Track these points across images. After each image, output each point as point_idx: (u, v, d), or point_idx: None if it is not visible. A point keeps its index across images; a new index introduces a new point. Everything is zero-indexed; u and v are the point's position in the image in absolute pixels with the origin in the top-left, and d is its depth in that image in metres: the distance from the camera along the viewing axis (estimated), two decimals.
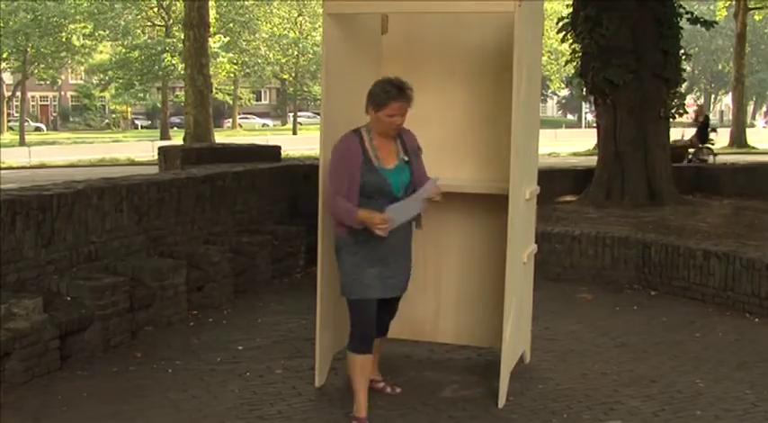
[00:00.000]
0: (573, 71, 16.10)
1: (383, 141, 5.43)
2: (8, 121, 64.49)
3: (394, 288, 5.66)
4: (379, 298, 5.56)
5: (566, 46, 16.78)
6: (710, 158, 24.08)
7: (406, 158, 5.48)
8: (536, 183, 6.66)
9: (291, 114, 70.26)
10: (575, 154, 36.23)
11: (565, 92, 74.63)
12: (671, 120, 15.03)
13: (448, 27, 6.62)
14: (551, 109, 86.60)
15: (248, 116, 76.97)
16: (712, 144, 25.18)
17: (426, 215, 6.35)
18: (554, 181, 14.76)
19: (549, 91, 72.41)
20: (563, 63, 25.63)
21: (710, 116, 39.84)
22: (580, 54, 14.92)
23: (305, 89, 68.57)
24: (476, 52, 6.61)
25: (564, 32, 15.49)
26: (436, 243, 6.81)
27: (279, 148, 13.08)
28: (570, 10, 15.40)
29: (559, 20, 16.15)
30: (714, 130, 26.36)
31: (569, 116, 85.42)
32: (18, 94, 61.46)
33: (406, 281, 5.79)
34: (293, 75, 65.05)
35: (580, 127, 67.62)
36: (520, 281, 6.21)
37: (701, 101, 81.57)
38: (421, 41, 6.73)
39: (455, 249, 6.81)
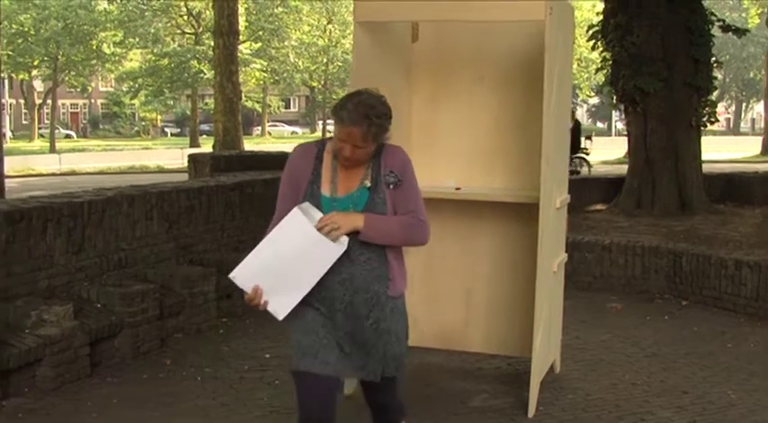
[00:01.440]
0: (603, 79, 16.01)
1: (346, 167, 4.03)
2: (39, 129, 64.94)
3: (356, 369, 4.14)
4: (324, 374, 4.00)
5: (596, 54, 16.70)
6: (584, 169, 22.94)
7: (369, 184, 3.98)
8: (567, 191, 6.63)
9: (320, 122, 70.35)
10: (605, 162, 36.03)
11: (594, 100, 74.31)
12: (702, 128, 14.91)
13: (478, 35, 6.60)
14: (581, 117, 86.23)
15: (277, 124, 77.15)
16: (586, 153, 23.90)
17: (457, 223, 6.34)
18: (584, 189, 14.68)
19: (579, 99, 72.14)
20: (593, 71, 25.55)
21: (608, 124, 38.61)
22: (610, 62, 14.83)
23: (334, 97, 68.58)
24: (506, 60, 6.59)
25: (594, 40, 15.41)
26: (466, 252, 6.78)
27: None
28: (600, 18, 15.32)
29: (589, 27, 16.07)
30: (589, 137, 25.19)
31: (599, 124, 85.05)
32: (49, 101, 61.86)
33: (375, 371, 4.17)
34: (322, 82, 65.18)
35: (610, 135, 67.24)
36: (550, 290, 6.17)
37: (733, 108, 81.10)
38: (451, 49, 6.71)
39: (485, 258, 6.78)
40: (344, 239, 3.84)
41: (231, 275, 3.81)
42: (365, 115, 3.83)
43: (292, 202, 3.97)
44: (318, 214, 3.87)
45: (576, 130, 22.31)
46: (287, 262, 3.78)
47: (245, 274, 3.81)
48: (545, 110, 5.65)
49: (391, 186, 4.02)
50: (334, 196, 3.99)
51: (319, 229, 3.79)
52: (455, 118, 6.68)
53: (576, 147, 21.82)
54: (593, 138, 24.55)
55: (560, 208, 6.36)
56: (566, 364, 6.85)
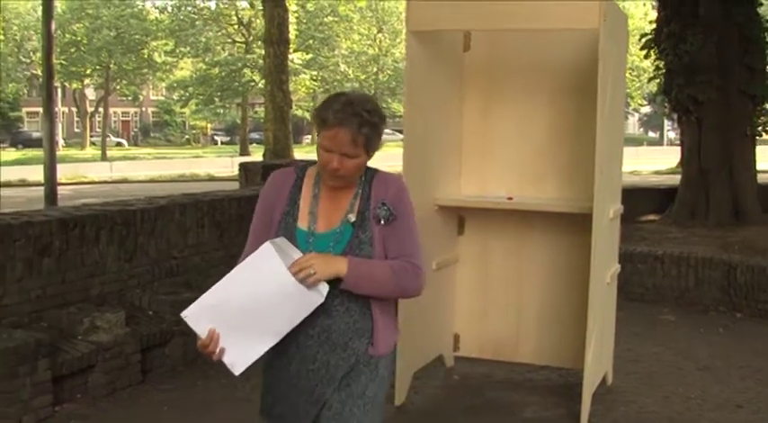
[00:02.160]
0: (656, 88, 15.87)
1: (332, 191, 3.30)
2: (91, 137, 65.67)
3: None
4: None
5: (647, 62, 16.56)
6: None
7: (353, 220, 3.25)
8: (620, 201, 6.56)
9: None
10: (657, 172, 35.72)
11: (646, 109, 73.72)
12: (757, 137, 14.71)
13: (531, 43, 6.56)
14: (633, 126, 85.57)
15: None
16: None
17: (508, 234, 6.31)
18: (636, 199, 14.49)
19: (631, 108, 71.62)
20: (645, 80, 25.30)
21: None
22: (663, 71, 14.69)
23: (384, 106, 68.73)
24: (559, 69, 6.54)
25: (647, 49, 15.28)
26: (517, 262, 6.74)
27: None
28: (653, 26, 15.19)
29: (642, 36, 15.94)
30: None
31: (651, 133, 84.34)
32: (100, 109, 62.63)
33: None
34: (372, 91, 65.24)
35: (662, 144, 66.65)
36: (603, 301, 6.11)
37: None
38: (503, 58, 6.68)
39: (536, 269, 6.73)
40: (323, 288, 3.09)
41: (183, 314, 3.09)
42: (354, 113, 3.12)
43: (262, 235, 3.29)
44: (296, 253, 3.15)
45: None
46: (251, 307, 3.04)
47: (199, 315, 3.07)
48: (599, 119, 5.59)
49: (382, 222, 3.24)
50: (312, 231, 3.25)
51: (293, 273, 3.03)
52: (507, 127, 6.65)
53: None
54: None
55: (613, 218, 6.30)
56: (618, 376, 6.77)
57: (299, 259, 3.07)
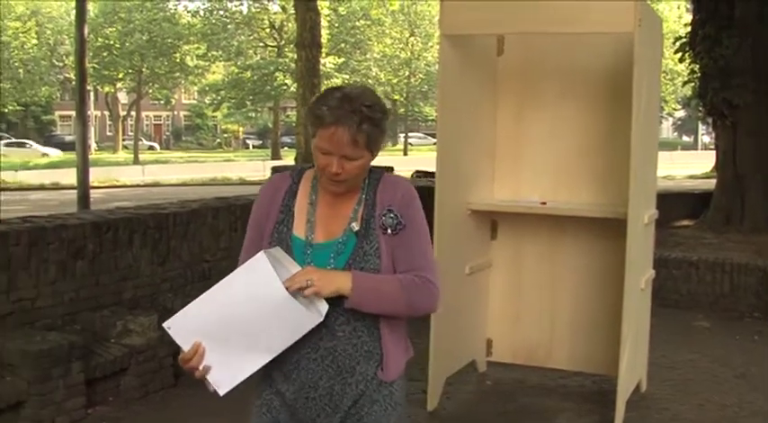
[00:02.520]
0: (690, 92, 15.75)
1: (332, 197, 2.95)
2: (123, 140, 66.07)
3: None
4: None
5: (682, 66, 16.44)
6: None
7: (356, 229, 2.90)
8: (654, 206, 6.51)
9: (402, 135, 70.40)
10: (691, 177, 35.50)
11: (680, 113, 73.26)
12: None
13: (565, 48, 6.52)
14: (666, 130, 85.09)
15: None
16: None
17: (541, 239, 6.27)
18: (670, 204, 14.42)
19: (665, 112, 71.23)
20: (679, 83, 25.12)
21: None
22: (698, 74, 14.59)
23: (416, 110, 68.60)
24: (593, 73, 6.49)
25: (681, 52, 15.17)
26: (551, 268, 6.70)
27: (391, 169, 13.08)
28: (688, 29, 15.08)
29: (677, 39, 15.84)
30: None
31: (685, 138, 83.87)
32: (133, 113, 63.01)
33: None
34: (404, 95, 65.17)
35: (696, 149, 66.25)
36: (637, 307, 6.05)
37: None
38: (537, 62, 6.64)
39: (570, 274, 6.68)
40: (323, 307, 2.76)
41: (165, 325, 2.75)
42: (353, 109, 2.75)
43: (255, 247, 2.94)
44: (294, 267, 2.81)
45: None
46: (240, 322, 2.71)
47: (184, 326, 2.74)
48: (633, 124, 5.54)
49: (389, 231, 2.88)
50: (310, 241, 2.91)
51: (289, 288, 2.68)
52: (541, 131, 6.61)
53: None
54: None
55: (648, 224, 6.25)
56: (652, 383, 6.71)
57: (296, 273, 2.73)
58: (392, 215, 2.89)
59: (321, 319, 2.74)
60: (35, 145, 59.94)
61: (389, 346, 2.92)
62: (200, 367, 2.74)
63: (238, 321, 2.71)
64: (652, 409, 6.24)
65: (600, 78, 6.47)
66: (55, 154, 57.30)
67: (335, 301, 2.78)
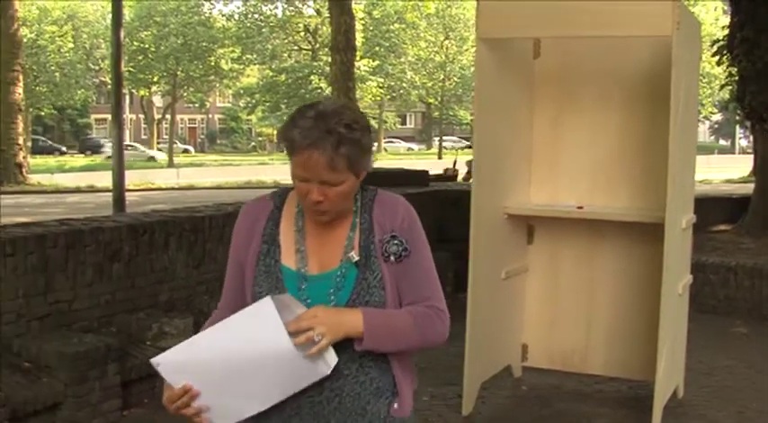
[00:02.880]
0: (728, 95, 15.61)
1: (320, 225, 2.64)
2: (158, 143, 66.50)
3: None
4: None
5: (719, 69, 16.32)
6: None
7: (356, 259, 2.59)
8: (692, 211, 6.45)
9: (437, 139, 70.34)
10: (728, 181, 35.21)
11: (717, 116, 72.74)
12: None
13: (602, 51, 6.47)
14: (703, 134, 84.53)
15: (393, 140, 77.39)
16: None
17: (578, 243, 6.23)
18: (707, 209, 14.26)
19: (701, 115, 70.73)
20: (716, 87, 24.92)
21: None
22: (736, 77, 14.43)
23: (450, 113, 68.59)
24: (631, 77, 6.44)
25: (719, 55, 15.04)
26: (587, 272, 6.65)
27: (426, 172, 13.07)
28: (726, 32, 14.95)
29: (714, 42, 15.71)
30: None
31: (722, 141, 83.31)
32: (167, 116, 63.38)
33: None
34: (439, 99, 65.15)
35: (733, 153, 65.79)
36: (674, 312, 5.99)
37: None
38: (574, 66, 6.60)
39: (607, 279, 6.63)
40: (331, 358, 2.46)
41: (154, 361, 2.48)
42: (328, 129, 2.44)
43: (235, 279, 2.69)
44: (302, 310, 2.49)
45: None
46: (239, 368, 2.42)
47: (174, 365, 2.47)
48: (671, 127, 5.49)
49: (392, 259, 2.59)
50: (303, 273, 2.59)
51: (295, 342, 2.37)
52: (578, 135, 6.57)
53: None
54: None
55: (686, 228, 6.19)
56: (689, 389, 6.64)
57: (301, 318, 2.41)
58: (397, 242, 2.61)
59: (329, 372, 2.46)
60: (141, 147, 60.52)
61: (401, 378, 2.67)
62: (190, 412, 2.48)
63: (236, 367, 2.42)
64: (689, 416, 6.18)
65: (637, 82, 6.42)
66: (161, 158, 57.80)
67: (342, 342, 2.49)
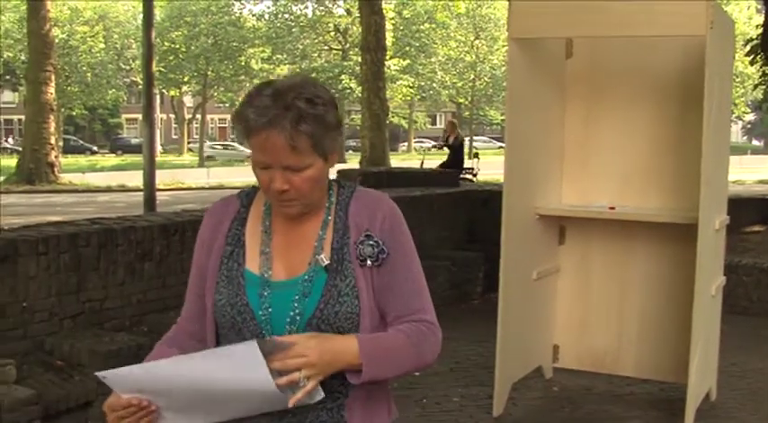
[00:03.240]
0: (761, 95, 15.49)
1: (290, 222, 2.33)
2: (188, 143, 66.73)
3: None
4: None
5: (752, 69, 16.19)
6: None
7: (326, 262, 2.26)
8: (725, 212, 6.40)
9: (467, 138, 70.15)
10: (761, 181, 34.93)
11: (750, 117, 72.17)
12: None
13: (635, 51, 6.42)
14: (736, 134, 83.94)
15: (423, 140, 77.15)
16: (473, 174, 20.19)
17: (609, 244, 6.20)
18: (741, 209, 14.17)
19: (734, 116, 70.17)
20: (749, 87, 24.70)
21: None
22: None
23: (481, 113, 68.38)
24: (663, 77, 6.39)
25: (753, 54, 14.92)
26: (619, 273, 6.62)
27: (457, 172, 13.07)
28: (759, 31, 14.83)
29: (747, 41, 15.59)
30: (476, 155, 22.05)
31: (755, 142, 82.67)
32: (198, 116, 63.60)
33: None
34: (469, 99, 64.95)
35: (766, 153, 65.22)
36: (707, 314, 5.95)
37: None
38: (606, 66, 6.56)
39: (639, 280, 6.59)
40: (318, 393, 2.13)
41: (99, 374, 2.14)
42: (286, 105, 2.14)
43: (197, 285, 2.41)
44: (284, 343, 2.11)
45: (459, 148, 19.91)
46: (209, 395, 2.14)
47: (124, 381, 2.15)
48: (704, 127, 5.45)
49: (368, 262, 2.25)
50: (266, 278, 2.27)
51: (277, 370, 2.05)
52: (610, 136, 6.53)
53: (458, 165, 19.06)
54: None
55: (719, 229, 6.14)
56: (722, 391, 6.58)
57: (288, 351, 2.06)
58: (372, 242, 2.26)
59: (312, 402, 2.14)
60: (240, 146, 60.89)
61: (374, 398, 2.31)
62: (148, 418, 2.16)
63: (205, 396, 2.13)
64: (722, 419, 6.14)
65: (670, 81, 6.37)
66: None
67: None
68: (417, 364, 2.29)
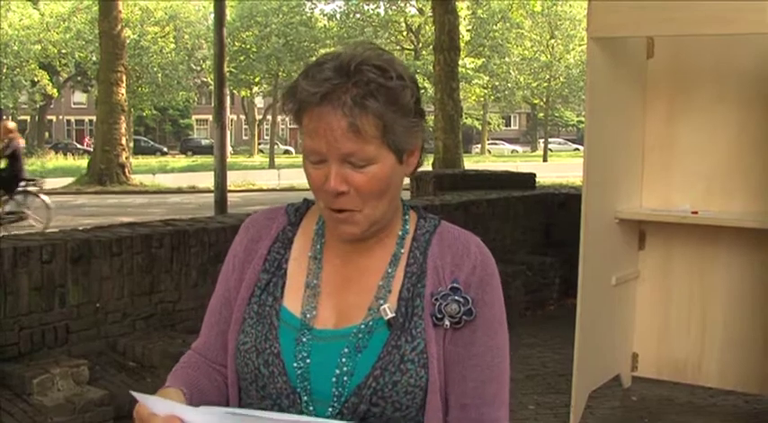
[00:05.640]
0: None
1: (348, 246, 1.78)
2: (259, 144, 67.20)
3: None
4: None
5: None
6: (37, 208, 15.95)
7: (389, 315, 1.68)
8: None
9: (541, 140, 69.64)
10: None
11: None
12: None
13: (718, 49, 6.22)
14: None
15: (497, 141, 76.80)
16: (35, 187, 16.35)
17: (691, 250, 6.02)
18: None
19: None
20: None
21: None
22: None
23: (556, 114, 67.82)
24: (749, 76, 6.18)
25: None
26: (701, 280, 6.42)
27: (533, 175, 12.90)
28: None
29: None
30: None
31: None
32: (268, 117, 63.99)
33: None
34: (544, 99, 64.45)
35: None
36: None
37: None
38: (689, 65, 6.37)
39: (722, 287, 6.38)
40: None
41: (135, 393, 1.62)
42: (347, 72, 1.62)
43: (219, 316, 1.91)
44: None
45: (15, 156, 15.43)
46: None
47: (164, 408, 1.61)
48: None
49: (446, 323, 1.70)
50: (310, 324, 1.73)
51: None
52: (693, 137, 6.33)
53: (16, 176, 15.55)
54: None
55: None
56: None
57: None
58: (459, 298, 1.70)
59: None
60: (504, 143, 61.41)
61: None
62: None
63: None
64: None
65: (756, 81, 6.16)
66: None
67: None
68: None
